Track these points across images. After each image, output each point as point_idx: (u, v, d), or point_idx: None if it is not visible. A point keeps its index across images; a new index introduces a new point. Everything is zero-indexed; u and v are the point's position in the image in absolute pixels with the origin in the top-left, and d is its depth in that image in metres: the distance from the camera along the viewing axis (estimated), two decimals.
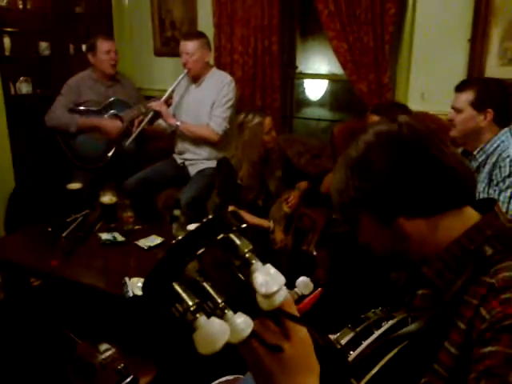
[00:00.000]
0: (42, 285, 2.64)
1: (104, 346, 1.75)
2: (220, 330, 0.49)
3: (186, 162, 3.07)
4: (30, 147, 3.38)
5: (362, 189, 0.80)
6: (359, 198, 0.81)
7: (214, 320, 0.50)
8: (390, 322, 0.83)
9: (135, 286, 1.88)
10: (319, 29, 3.13)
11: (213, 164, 2.91)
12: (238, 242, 0.55)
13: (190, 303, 0.51)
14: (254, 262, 0.54)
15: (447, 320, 0.74)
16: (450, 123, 1.89)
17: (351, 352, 0.82)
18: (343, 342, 0.82)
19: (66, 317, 2.26)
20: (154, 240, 2.30)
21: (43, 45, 3.40)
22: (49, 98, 3.17)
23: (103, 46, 3.12)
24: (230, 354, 0.57)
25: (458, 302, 0.73)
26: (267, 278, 0.53)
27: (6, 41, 3.20)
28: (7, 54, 3.22)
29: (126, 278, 1.88)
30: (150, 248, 2.26)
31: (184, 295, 0.52)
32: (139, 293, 1.83)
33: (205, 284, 0.53)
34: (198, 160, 3.01)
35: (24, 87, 3.34)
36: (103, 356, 1.72)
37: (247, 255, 0.54)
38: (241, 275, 0.55)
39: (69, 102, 3.12)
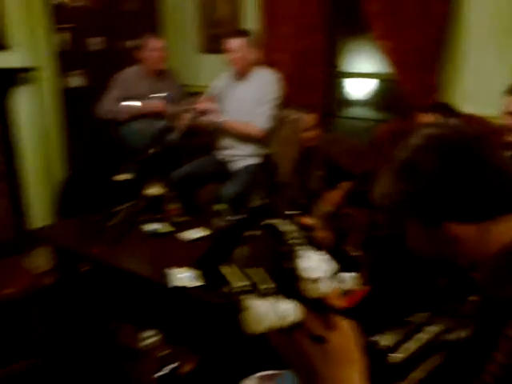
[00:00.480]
0: (90, 270, 2.76)
1: (147, 333, 1.83)
2: (268, 310, 0.51)
3: (229, 158, 3.12)
4: (83, 139, 3.55)
5: (408, 192, 0.80)
6: (405, 201, 0.81)
7: (263, 301, 0.52)
8: (433, 328, 0.84)
9: (177, 276, 1.94)
10: (363, 27, 3.11)
11: (256, 161, 2.96)
12: (283, 228, 0.57)
13: (241, 284, 0.54)
14: (299, 248, 0.55)
15: (496, 328, 0.73)
16: (506, 128, 1.85)
17: (391, 354, 0.83)
18: (383, 343, 0.84)
19: (112, 302, 2.36)
20: (197, 233, 2.36)
21: (98, 40, 3.55)
22: (102, 91, 3.31)
23: (151, 43, 3.24)
24: (270, 349, 0.59)
25: (509, 311, 0.73)
26: (311, 264, 0.54)
27: (65, 36, 3.37)
28: (65, 48, 3.39)
29: (169, 268, 1.94)
30: (193, 240, 2.32)
31: (234, 277, 0.54)
32: (179, 283, 1.89)
33: (254, 269, 0.55)
34: (241, 156, 3.06)
35: (79, 80, 3.50)
36: (146, 342, 1.79)
37: (293, 241, 0.56)
38: (286, 263, 0.57)
39: (117, 95, 3.25)
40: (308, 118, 2.45)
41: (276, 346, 0.56)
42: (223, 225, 2.24)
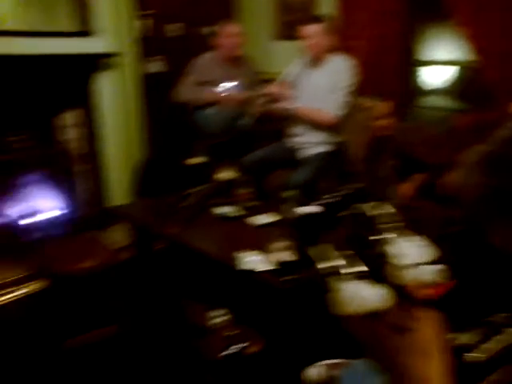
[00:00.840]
0: (164, 248, 2.89)
1: (216, 312, 1.89)
2: (357, 294, 0.52)
3: (300, 145, 3.12)
4: (161, 123, 3.70)
5: (494, 186, 0.77)
6: (489, 195, 0.78)
7: (353, 284, 0.53)
8: None
9: (246, 259, 1.98)
10: (442, 13, 2.96)
11: (327, 148, 2.93)
12: (372, 213, 0.57)
13: (330, 265, 0.55)
14: (389, 234, 0.56)
15: None
16: None
17: (469, 353, 0.81)
18: (462, 341, 0.82)
19: (184, 280, 2.46)
20: (266, 218, 2.39)
21: (177, 26, 3.66)
22: (179, 76, 3.41)
23: (228, 29, 3.29)
24: (345, 335, 0.60)
25: None
26: (401, 251, 0.54)
27: (146, 22, 3.50)
28: (146, 34, 3.52)
29: (237, 252, 1.99)
30: (262, 225, 2.36)
31: (324, 258, 0.55)
32: (247, 267, 1.94)
33: (344, 251, 0.56)
34: (311, 144, 3.04)
35: (158, 66, 3.64)
36: (215, 321, 1.86)
37: (382, 226, 0.56)
38: (374, 248, 0.57)
39: (194, 80, 3.34)
40: (382, 107, 2.40)
41: (355, 332, 0.57)
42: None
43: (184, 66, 3.42)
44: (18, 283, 2.81)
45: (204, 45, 3.57)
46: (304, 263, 0.52)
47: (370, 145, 2.45)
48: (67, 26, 3.20)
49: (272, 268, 1.82)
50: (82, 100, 3.34)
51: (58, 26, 3.17)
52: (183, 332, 2.17)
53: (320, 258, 0.52)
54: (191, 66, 3.38)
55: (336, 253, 0.53)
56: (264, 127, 3.46)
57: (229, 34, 3.30)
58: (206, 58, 3.41)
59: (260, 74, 3.69)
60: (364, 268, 0.54)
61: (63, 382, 2.08)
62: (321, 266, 0.52)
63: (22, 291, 2.77)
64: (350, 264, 0.54)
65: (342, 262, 0.53)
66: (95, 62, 3.31)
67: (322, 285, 0.53)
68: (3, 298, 2.71)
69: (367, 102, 2.39)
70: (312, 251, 0.51)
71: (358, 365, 0.86)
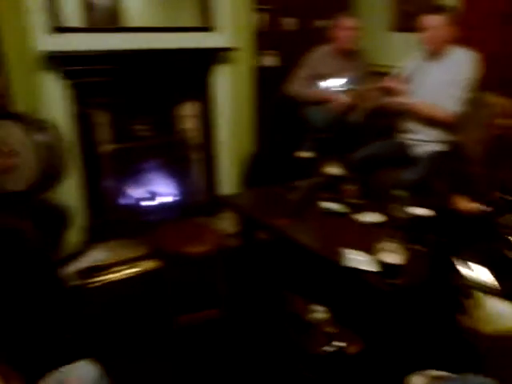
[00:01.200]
0: (268, 239, 2.97)
1: (319, 307, 1.91)
2: (504, 312, 0.50)
3: (412, 142, 2.98)
4: (271, 115, 3.78)
5: None
6: None
7: (500, 301, 0.51)
8: None
9: (351, 257, 1.96)
10: None
11: (442, 147, 2.77)
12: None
13: (476, 280, 0.53)
14: None
15: None
16: None
17: None
18: None
19: (287, 272, 2.51)
20: (374, 217, 2.34)
21: (291, 20, 3.69)
22: (292, 70, 3.44)
23: (344, 22, 3.26)
24: (454, 349, 0.57)
25: None
26: None
27: (263, 17, 3.58)
28: (262, 29, 3.60)
29: (343, 248, 1.97)
30: (368, 224, 2.31)
31: (467, 271, 0.54)
32: (353, 264, 1.91)
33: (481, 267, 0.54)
34: (425, 141, 2.90)
35: (271, 60, 3.71)
36: (317, 316, 1.87)
37: None
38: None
39: (306, 74, 3.36)
40: (507, 104, 2.20)
41: (483, 348, 0.55)
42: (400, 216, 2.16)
43: (297, 61, 3.45)
44: (135, 261, 3.07)
45: (318, 38, 3.55)
46: (439, 270, 0.50)
47: (491, 145, 2.27)
48: (190, 21, 3.38)
49: (377, 269, 1.79)
50: (200, 92, 3.51)
51: (183, 22, 3.36)
52: (283, 323, 2.22)
53: (464, 270, 0.50)
54: (305, 59, 3.40)
55: (476, 266, 0.51)
56: (375, 122, 3.36)
57: (344, 27, 3.27)
58: (320, 52, 3.41)
59: (374, 66, 3.60)
60: (498, 285, 0.51)
61: (170, 356, 2.24)
62: (465, 277, 0.50)
63: (137, 268, 3.03)
64: (489, 280, 0.51)
65: (488, 276, 0.50)
66: (213, 56, 3.46)
67: (458, 296, 0.51)
68: (121, 274, 2.99)
69: (490, 98, 2.21)
70: (458, 262, 0.50)
71: (473, 380, 0.81)
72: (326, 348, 1.74)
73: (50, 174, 2.46)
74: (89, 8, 2.96)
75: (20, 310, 2.03)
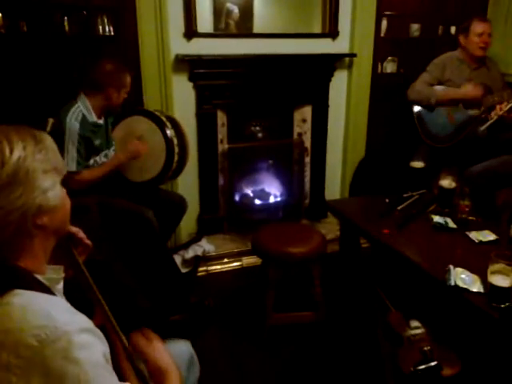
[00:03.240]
0: (369, 248, 2.91)
1: (415, 323, 1.83)
2: None
3: None
4: (384, 121, 3.69)
5: None
6: None
7: None
8: None
9: (458, 276, 1.85)
10: None
11: None
12: None
13: None
14: None
15: None
16: None
17: None
18: None
19: (386, 283, 2.44)
20: (487, 236, 2.17)
21: (414, 27, 3.57)
22: (410, 77, 3.33)
23: (477, 27, 3.06)
24: None
25: None
26: None
27: (384, 23, 3.50)
28: (382, 35, 3.53)
29: (451, 266, 1.86)
30: (481, 242, 2.15)
31: None
32: (461, 284, 1.80)
33: None
34: None
35: (390, 66, 3.62)
36: (412, 332, 1.80)
37: None
38: None
39: (432, 79, 3.21)
40: None
41: None
42: None
43: (417, 68, 3.32)
44: (239, 255, 3.21)
45: (444, 46, 3.40)
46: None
47: None
48: (314, 27, 3.45)
49: (485, 291, 1.67)
50: (318, 97, 3.55)
51: (307, 28, 3.44)
52: (378, 335, 2.16)
53: None
54: (431, 64, 3.25)
55: None
56: (498, 136, 3.11)
57: (477, 33, 3.06)
58: (447, 57, 3.24)
59: (508, 76, 3.33)
60: None
61: (261, 350, 2.32)
62: None
63: (240, 263, 3.17)
64: None
65: None
66: (335, 62, 3.48)
67: None
68: (226, 266, 3.15)
69: None
70: None
71: None
72: (420, 366, 1.66)
73: (174, 167, 2.68)
74: (219, 14, 3.17)
75: (134, 284, 2.25)
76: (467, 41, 3.13)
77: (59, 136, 2.24)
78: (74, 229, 1.10)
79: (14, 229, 0.84)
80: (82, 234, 1.12)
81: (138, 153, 2.59)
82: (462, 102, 3.12)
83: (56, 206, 0.90)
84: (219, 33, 3.18)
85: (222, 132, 3.38)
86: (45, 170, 0.87)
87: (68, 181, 0.97)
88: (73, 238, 1.09)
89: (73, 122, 2.30)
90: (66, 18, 2.73)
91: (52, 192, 0.88)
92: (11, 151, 0.82)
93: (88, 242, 1.14)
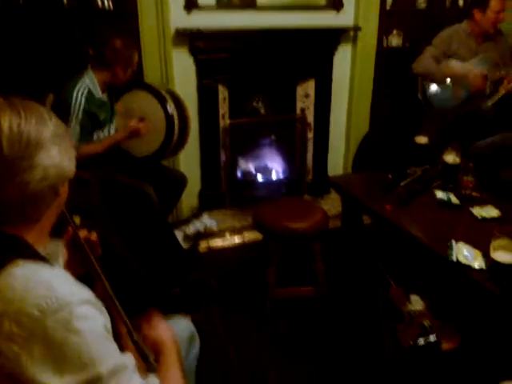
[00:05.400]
0: (371, 224, 2.90)
1: (415, 298, 1.83)
2: None
3: None
4: (388, 96, 3.63)
5: None
6: None
7: None
8: None
9: (460, 252, 1.84)
10: None
11: None
12: None
13: None
14: None
15: None
16: None
17: None
18: None
19: (387, 259, 2.44)
20: (490, 212, 2.15)
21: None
22: (416, 51, 3.25)
23: (497, 5, 2.94)
24: None
25: None
26: None
27: None
28: (387, 8, 3.44)
29: (453, 241, 1.85)
30: (484, 219, 2.13)
31: None
32: (464, 261, 1.79)
33: None
34: None
35: (395, 40, 3.54)
36: (412, 307, 1.80)
37: None
38: None
39: (438, 53, 3.13)
40: None
41: None
42: None
43: (423, 41, 3.24)
44: (240, 231, 3.21)
45: (452, 18, 3.31)
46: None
47: None
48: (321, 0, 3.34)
49: (487, 267, 1.66)
50: (321, 71, 3.49)
51: (310, 0, 3.33)
52: (378, 310, 2.17)
53: None
54: (436, 37, 3.16)
55: None
56: (506, 111, 3.05)
57: (495, 10, 2.94)
58: (454, 30, 3.13)
59: None
60: None
61: (262, 323, 2.33)
62: None
63: (241, 238, 3.17)
64: None
65: None
66: (338, 36, 3.40)
67: None
68: (227, 242, 3.15)
69: None
70: None
71: None
72: (420, 341, 1.67)
73: (175, 142, 2.66)
74: None
75: (136, 260, 2.25)
76: (483, 17, 3.00)
77: (63, 110, 2.25)
78: None
79: (43, 189, 0.84)
80: None
81: (139, 132, 2.57)
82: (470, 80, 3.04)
83: (70, 177, 0.91)
84: (220, 5, 3.11)
85: (223, 107, 3.33)
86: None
87: None
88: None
89: (79, 96, 2.30)
90: None
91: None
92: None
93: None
